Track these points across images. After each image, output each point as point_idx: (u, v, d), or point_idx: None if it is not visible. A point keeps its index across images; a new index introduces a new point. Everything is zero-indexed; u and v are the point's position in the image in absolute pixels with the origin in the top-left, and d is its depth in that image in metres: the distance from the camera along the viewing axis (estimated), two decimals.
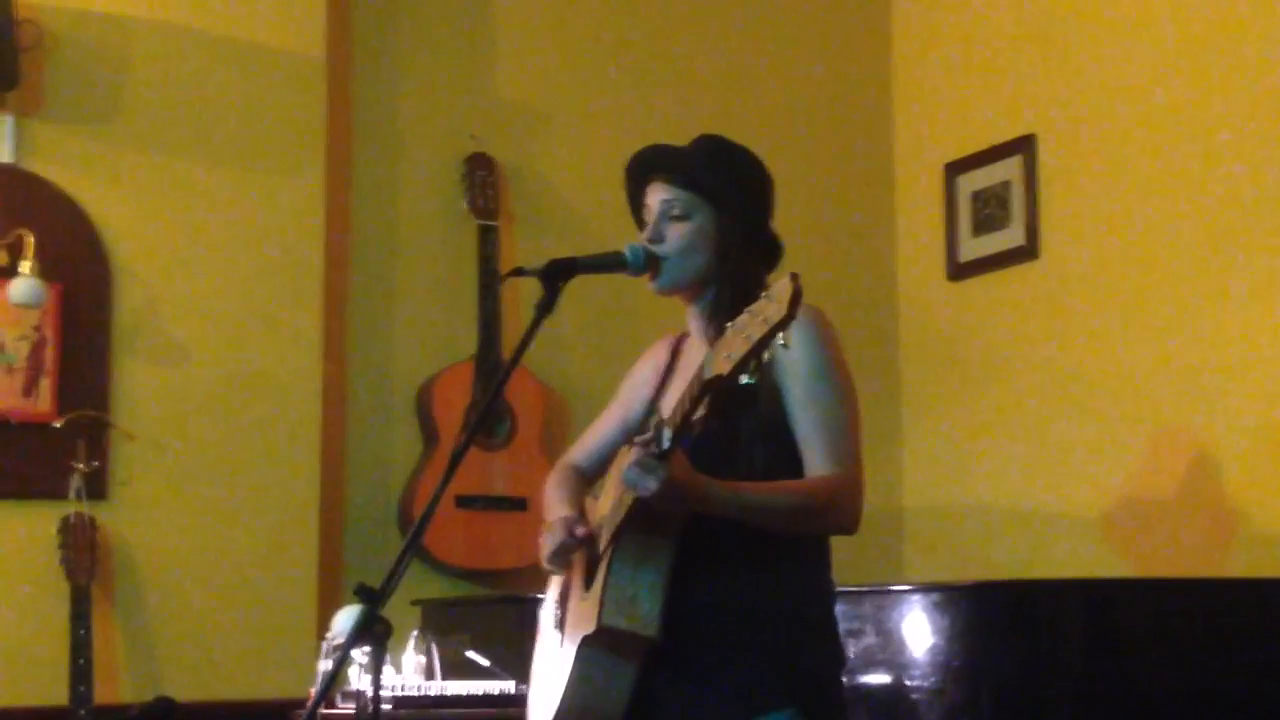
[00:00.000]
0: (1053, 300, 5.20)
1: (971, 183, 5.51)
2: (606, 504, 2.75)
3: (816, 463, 2.62)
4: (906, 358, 5.77)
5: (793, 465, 2.64)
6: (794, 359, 2.62)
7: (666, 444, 2.44)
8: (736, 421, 2.65)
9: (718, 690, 2.60)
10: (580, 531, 2.75)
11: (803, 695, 2.59)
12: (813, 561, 2.71)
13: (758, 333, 2.26)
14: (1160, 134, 4.90)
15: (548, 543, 2.78)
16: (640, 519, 2.58)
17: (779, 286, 2.26)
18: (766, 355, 2.27)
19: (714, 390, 2.36)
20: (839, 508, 2.62)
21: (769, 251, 2.81)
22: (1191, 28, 4.84)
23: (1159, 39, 4.94)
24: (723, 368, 2.30)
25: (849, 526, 2.64)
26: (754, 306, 2.30)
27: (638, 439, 2.52)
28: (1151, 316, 4.88)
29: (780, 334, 2.25)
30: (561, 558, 2.78)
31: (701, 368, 2.36)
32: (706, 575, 2.62)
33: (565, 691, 2.63)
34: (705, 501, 2.53)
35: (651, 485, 2.44)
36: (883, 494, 5.60)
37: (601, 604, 2.58)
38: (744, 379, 2.32)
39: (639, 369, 2.98)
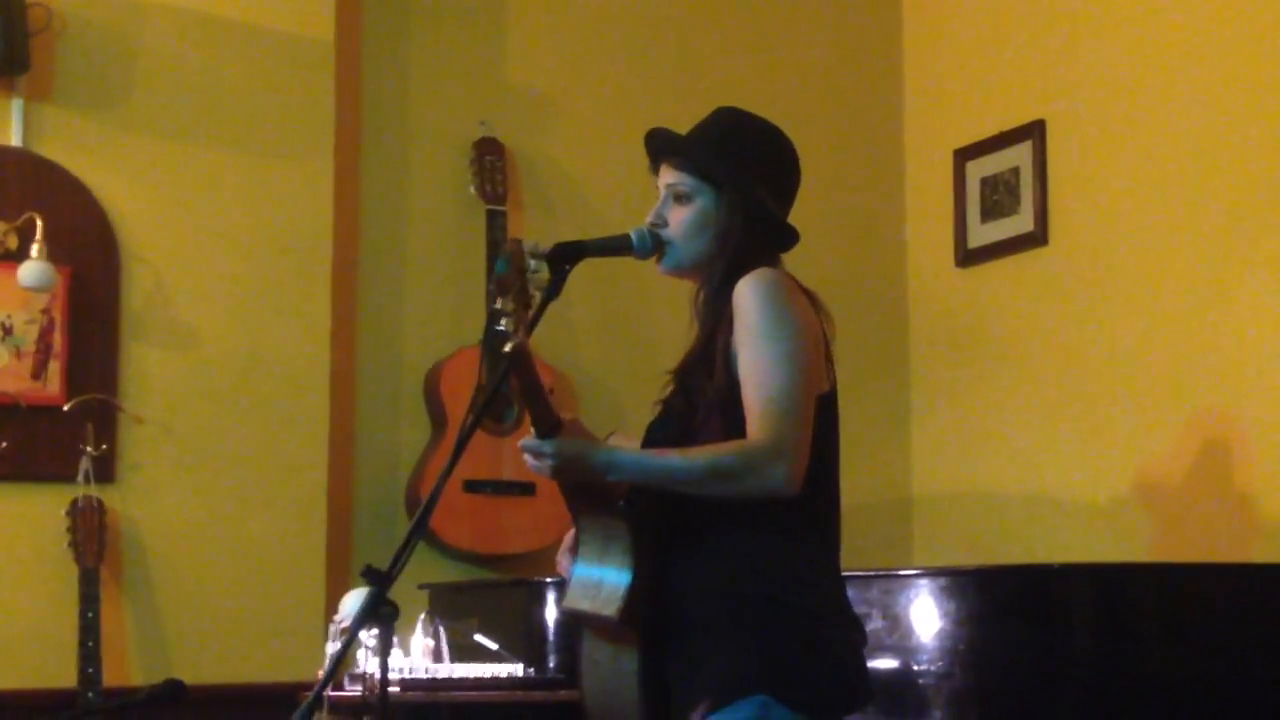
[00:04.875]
0: (1062, 287, 5.19)
1: (981, 169, 5.49)
2: None
3: (751, 425, 2.58)
4: (915, 344, 5.76)
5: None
6: (741, 323, 2.62)
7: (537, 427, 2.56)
8: (693, 394, 2.67)
9: (702, 677, 2.60)
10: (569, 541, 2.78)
11: (774, 681, 2.56)
12: (795, 545, 2.65)
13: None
14: (1171, 119, 4.88)
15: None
16: (581, 503, 2.64)
17: None
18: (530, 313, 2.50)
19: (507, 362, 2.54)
20: (757, 471, 2.54)
21: (778, 233, 2.79)
22: (1202, 11, 4.82)
23: (1170, 23, 4.92)
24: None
25: (777, 491, 2.56)
26: None
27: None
28: (1161, 303, 4.87)
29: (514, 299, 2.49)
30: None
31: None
32: (688, 562, 2.63)
33: (583, 677, 2.66)
34: (612, 468, 2.56)
35: (547, 464, 2.54)
36: (892, 479, 5.60)
37: (569, 588, 2.63)
38: (507, 347, 2.50)
39: None
